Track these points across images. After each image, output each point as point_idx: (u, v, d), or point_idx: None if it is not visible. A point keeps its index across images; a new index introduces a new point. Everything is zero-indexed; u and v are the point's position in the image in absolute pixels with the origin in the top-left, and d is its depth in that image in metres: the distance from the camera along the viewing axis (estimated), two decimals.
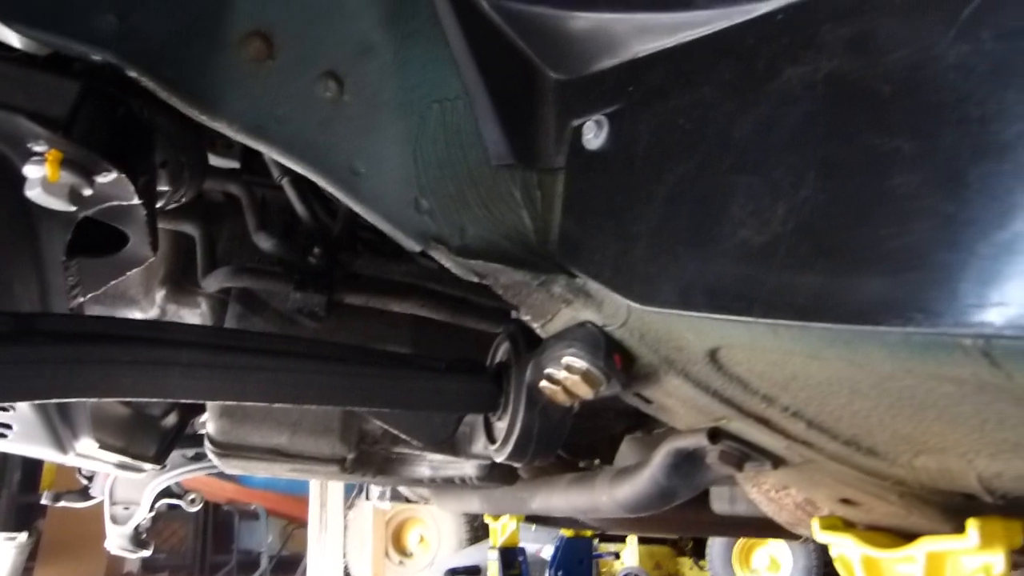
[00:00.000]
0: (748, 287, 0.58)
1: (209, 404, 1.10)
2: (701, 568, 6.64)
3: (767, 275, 0.57)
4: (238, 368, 0.79)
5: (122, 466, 1.63)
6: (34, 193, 0.71)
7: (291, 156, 0.78)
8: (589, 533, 3.34)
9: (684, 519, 2.36)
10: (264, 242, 1.14)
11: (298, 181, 1.18)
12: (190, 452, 2.22)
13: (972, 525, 0.82)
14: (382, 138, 0.79)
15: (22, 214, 0.81)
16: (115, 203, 0.81)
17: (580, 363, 0.76)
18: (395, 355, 0.88)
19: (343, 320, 1.10)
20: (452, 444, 1.23)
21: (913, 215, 0.49)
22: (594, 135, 0.74)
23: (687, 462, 0.94)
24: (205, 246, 1.20)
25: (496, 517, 2.68)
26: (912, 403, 0.62)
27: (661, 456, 0.96)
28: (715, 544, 5.99)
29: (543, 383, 0.82)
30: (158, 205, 0.96)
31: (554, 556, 3.33)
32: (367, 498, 3.11)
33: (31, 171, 0.71)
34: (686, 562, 7.06)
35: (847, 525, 1.01)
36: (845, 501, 0.96)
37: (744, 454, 0.86)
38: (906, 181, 0.50)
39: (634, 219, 0.68)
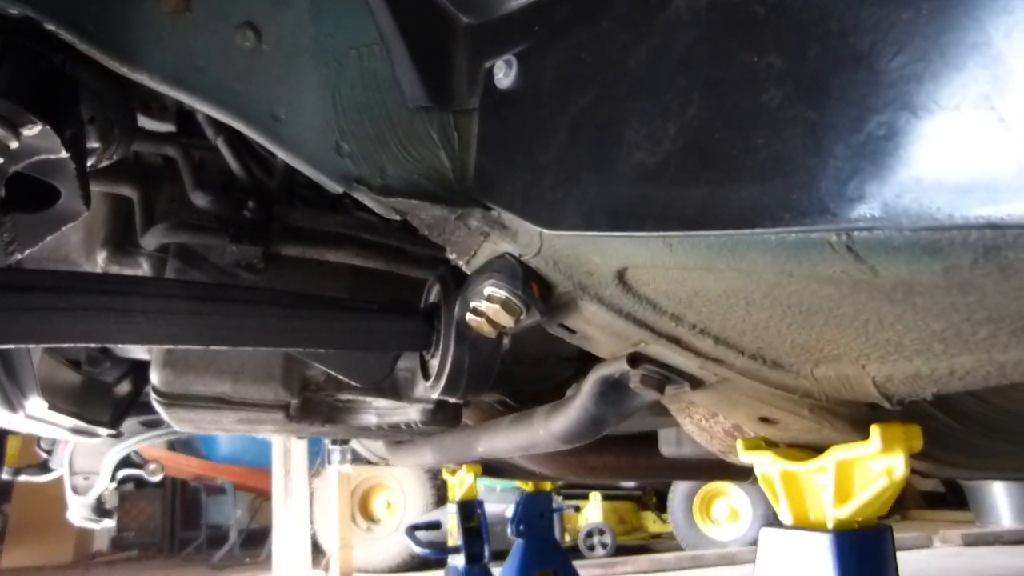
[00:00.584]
0: (642, 205, 0.62)
1: (152, 356, 1.13)
2: (664, 521, 6.84)
3: (659, 192, 0.61)
4: (171, 313, 0.82)
5: (77, 431, 1.65)
6: None
7: (212, 105, 0.80)
8: (549, 487, 3.42)
9: (635, 465, 2.44)
10: (200, 200, 1.16)
11: (232, 140, 1.19)
12: (146, 419, 2.24)
13: (874, 431, 0.88)
14: (301, 85, 0.81)
15: None
16: (43, 157, 0.82)
17: (500, 292, 0.80)
18: (328, 298, 0.91)
19: (281, 272, 1.12)
20: (395, 389, 1.27)
21: (782, 125, 0.54)
22: (504, 74, 0.78)
23: (613, 390, 0.99)
24: (143, 207, 1.22)
25: (453, 472, 2.74)
26: (801, 309, 0.67)
27: (589, 385, 1.00)
28: (676, 497, 6.16)
29: (468, 316, 0.86)
30: (91, 162, 0.98)
31: (515, 511, 3.40)
32: (328, 462, 3.15)
33: None
34: (649, 516, 7.27)
35: (769, 445, 1.07)
36: (764, 420, 1.02)
37: (664, 377, 0.92)
38: (777, 94, 0.55)
39: (541, 151, 0.72)
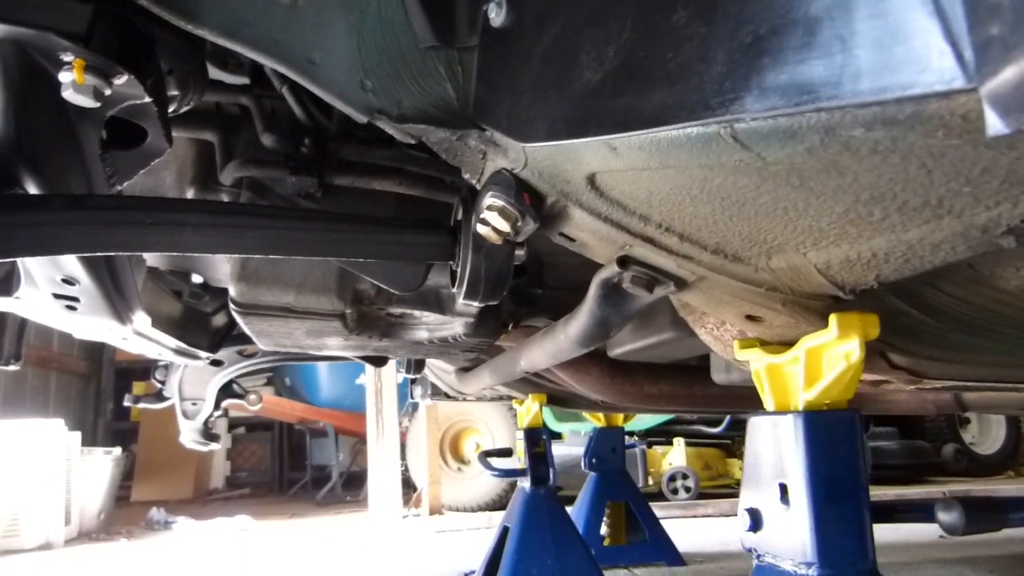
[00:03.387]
0: (589, 114, 0.76)
1: (230, 271, 1.33)
2: None
3: (600, 103, 0.75)
4: (237, 227, 1.01)
5: (179, 351, 1.91)
6: (67, 93, 0.93)
7: (259, 53, 0.97)
8: (620, 422, 3.57)
9: (690, 394, 2.54)
10: (267, 140, 1.35)
11: (294, 88, 1.38)
12: (242, 349, 2.51)
13: (832, 319, 1.00)
14: (331, 33, 0.98)
15: (64, 116, 1.03)
16: (131, 102, 1.02)
17: (498, 202, 0.95)
18: (366, 216, 1.09)
19: (336, 200, 1.31)
20: (439, 303, 1.45)
21: (684, 40, 0.67)
22: (496, 14, 0.92)
23: (613, 292, 1.13)
24: (223, 149, 1.42)
25: (521, 401, 2.93)
26: (732, 201, 0.80)
27: (592, 289, 1.15)
28: None
29: (478, 227, 1.02)
30: (173, 107, 1.18)
31: (588, 445, 3.58)
32: (411, 397, 3.40)
33: (63, 76, 0.92)
34: (736, 463, 7.31)
35: (760, 344, 1.20)
36: (750, 318, 1.14)
37: (651, 277, 1.05)
38: (684, 15, 0.68)
39: (522, 77, 0.87)
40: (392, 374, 5.13)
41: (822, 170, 0.67)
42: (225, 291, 2.09)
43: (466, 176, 1.06)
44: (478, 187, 1.06)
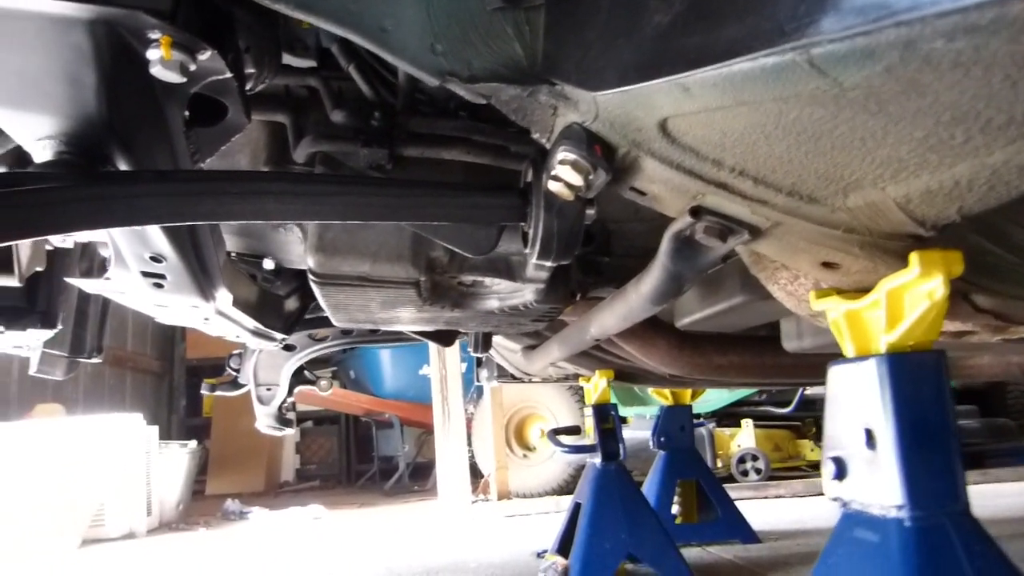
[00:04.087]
0: (659, 56, 0.77)
1: (307, 243, 1.38)
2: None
3: (670, 44, 0.76)
4: (315, 194, 1.05)
5: (256, 332, 1.98)
6: (156, 70, 0.97)
7: (334, 23, 1.00)
8: (687, 399, 3.55)
9: (761, 363, 2.52)
10: (338, 117, 1.39)
11: (360, 67, 1.41)
12: (313, 333, 2.58)
13: (913, 257, 0.98)
14: (401, 1, 1.00)
15: (151, 96, 1.08)
16: (214, 78, 1.07)
17: (569, 155, 0.97)
18: (439, 181, 1.11)
19: (406, 171, 1.34)
20: (510, 270, 1.48)
21: None
22: None
23: (686, 245, 1.13)
24: (295, 129, 1.47)
25: (588, 378, 2.94)
26: (807, 135, 0.80)
27: (665, 243, 1.16)
28: None
29: (550, 183, 1.04)
30: (249, 85, 1.22)
31: (655, 424, 3.57)
32: (477, 380, 3.44)
33: (151, 54, 0.97)
34: (806, 444, 7.17)
35: (837, 292, 1.19)
36: (827, 265, 1.13)
37: (724, 226, 1.05)
38: None
39: (589, 29, 0.88)
40: (456, 360, 5.20)
41: (901, 92, 0.67)
42: (296, 274, 2.15)
43: (535, 136, 1.08)
44: (548, 145, 1.08)
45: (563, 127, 1.00)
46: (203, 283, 1.41)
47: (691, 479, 3.51)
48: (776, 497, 5.37)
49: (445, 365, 5.13)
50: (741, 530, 3.42)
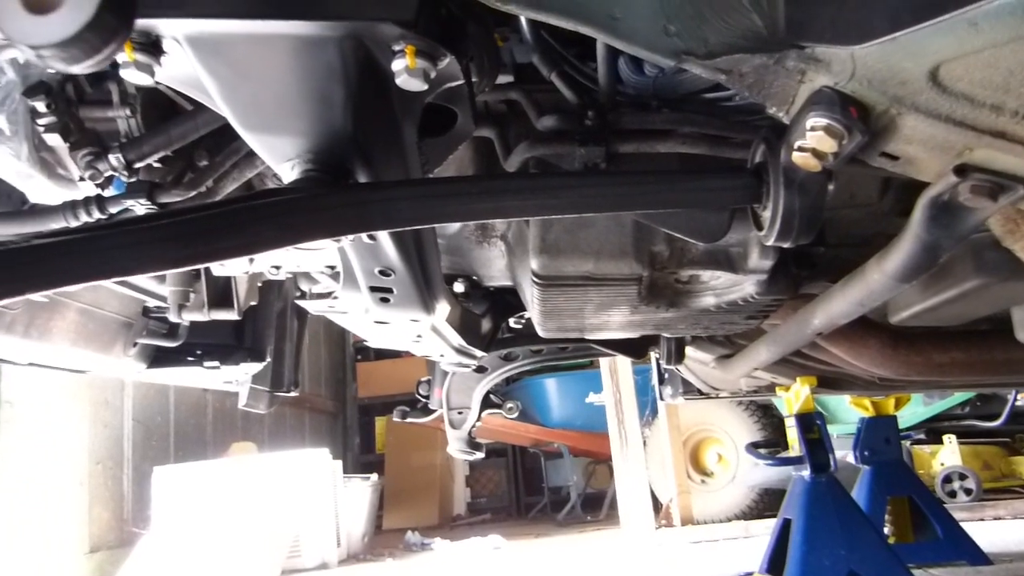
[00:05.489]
0: None
1: (531, 246, 1.39)
2: None
3: None
4: (550, 188, 1.06)
5: (460, 350, 2.02)
6: (401, 79, 1.02)
7: (563, 17, 1.02)
8: (891, 409, 3.32)
9: (990, 359, 2.29)
10: (547, 123, 1.41)
11: (562, 73, 1.43)
12: (504, 353, 2.62)
13: None
14: None
15: (389, 108, 1.14)
16: (448, 85, 1.11)
17: (822, 120, 0.92)
18: (669, 168, 1.10)
19: (620, 168, 1.34)
20: (730, 262, 1.43)
21: None
22: None
23: (944, 211, 1.05)
24: (502, 140, 1.51)
25: (787, 388, 2.80)
26: None
27: (918, 211, 1.08)
28: None
29: (795, 154, 0.99)
30: None
31: (856, 437, 3.35)
32: (660, 398, 3.36)
33: (396, 64, 1.01)
34: (1021, 461, 6.50)
35: None
36: None
37: (995, 183, 0.97)
38: None
39: None
40: (630, 382, 5.13)
41: None
42: (487, 294, 2.19)
43: (771, 111, 1.04)
44: (785, 119, 1.04)
45: (810, 93, 0.96)
46: (426, 295, 1.45)
47: (902, 495, 3.25)
48: (995, 519, 4.90)
49: (619, 388, 5.07)
50: (968, 550, 3.13)
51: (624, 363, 5.08)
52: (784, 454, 3.19)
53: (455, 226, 1.76)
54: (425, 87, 1.03)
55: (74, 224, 1.52)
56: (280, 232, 0.94)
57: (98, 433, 5.76)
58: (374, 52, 1.04)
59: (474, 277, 2.02)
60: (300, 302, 1.74)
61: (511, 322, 2.52)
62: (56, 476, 5.37)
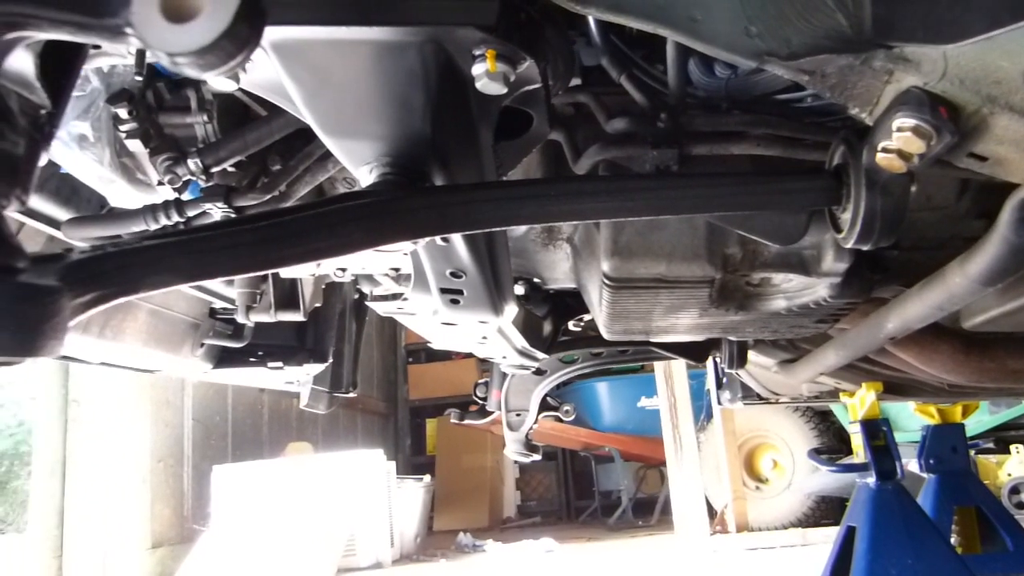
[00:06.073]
0: None
1: (603, 248, 1.39)
2: None
3: None
4: (627, 190, 1.06)
5: (523, 352, 2.03)
6: (481, 83, 1.03)
7: (643, 20, 1.02)
8: (958, 417, 3.23)
9: None
10: (617, 125, 1.41)
11: (631, 76, 1.43)
12: (563, 356, 2.62)
13: None
14: None
15: (467, 112, 1.15)
16: (527, 88, 1.12)
17: (909, 121, 0.91)
18: (746, 171, 1.09)
19: (693, 170, 1.33)
20: (803, 265, 1.41)
21: None
22: None
23: None
24: (570, 143, 1.51)
25: (851, 393, 2.75)
26: None
27: (1007, 213, 1.05)
28: None
29: (879, 156, 0.98)
30: None
31: (921, 445, 3.27)
32: (719, 403, 3.33)
33: (476, 68, 1.03)
34: None
35: None
36: None
37: None
38: None
39: None
40: (685, 387, 5.08)
41: None
42: (547, 297, 2.20)
43: (853, 112, 1.03)
44: (868, 120, 1.03)
45: (896, 93, 0.95)
46: (495, 297, 1.46)
47: (969, 505, 3.16)
48: None
49: (674, 392, 5.02)
50: None
51: (679, 368, 5.04)
52: (847, 460, 3.13)
53: (521, 229, 1.77)
54: (504, 91, 1.04)
55: (154, 227, 1.57)
56: (367, 234, 0.96)
57: (160, 432, 5.92)
58: (454, 57, 1.05)
59: (536, 280, 2.03)
60: (369, 303, 1.77)
61: (570, 325, 2.52)
62: (120, 473, 5.54)
